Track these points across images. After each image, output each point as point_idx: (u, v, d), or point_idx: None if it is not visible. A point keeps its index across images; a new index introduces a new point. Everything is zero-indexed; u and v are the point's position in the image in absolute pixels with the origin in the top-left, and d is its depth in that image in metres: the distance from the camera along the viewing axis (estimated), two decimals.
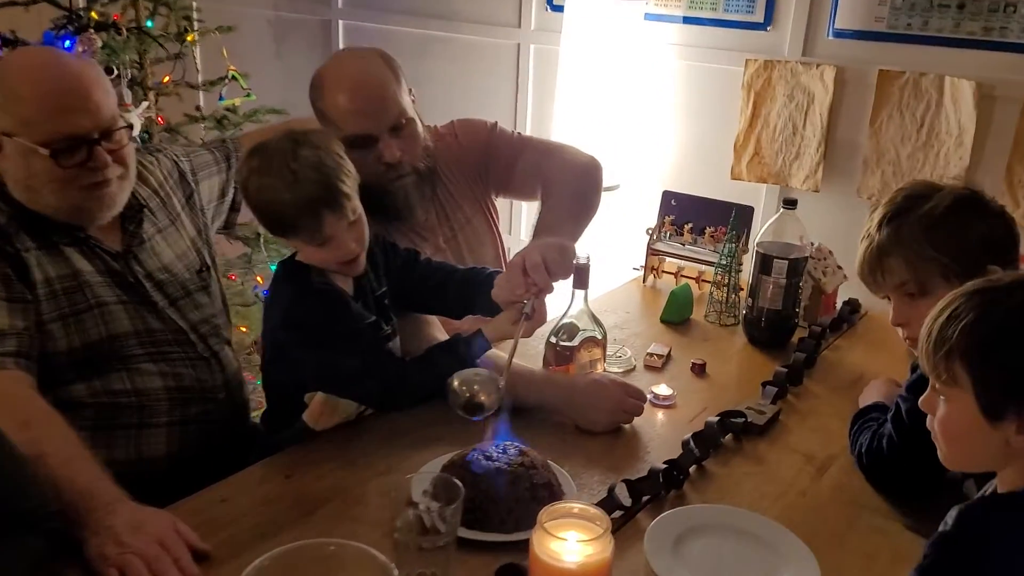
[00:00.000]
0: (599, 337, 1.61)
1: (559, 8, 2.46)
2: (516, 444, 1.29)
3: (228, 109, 2.59)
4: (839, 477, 1.38)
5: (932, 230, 1.30)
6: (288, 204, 1.31)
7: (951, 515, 0.91)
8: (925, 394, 1.00)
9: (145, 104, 2.23)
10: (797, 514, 1.27)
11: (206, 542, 1.16)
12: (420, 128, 1.71)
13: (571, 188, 1.81)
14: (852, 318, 1.99)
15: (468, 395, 1.33)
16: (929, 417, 1.00)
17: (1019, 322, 0.91)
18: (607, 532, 1.05)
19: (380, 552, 1.01)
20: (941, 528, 0.91)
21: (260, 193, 1.33)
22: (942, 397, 0.97)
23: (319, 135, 1.39)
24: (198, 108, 2.61)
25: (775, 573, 1.09)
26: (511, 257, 1.51)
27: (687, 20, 2.32)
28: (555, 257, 1.43)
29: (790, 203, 1.82)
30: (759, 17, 2.21)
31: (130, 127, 1.48)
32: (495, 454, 1.27)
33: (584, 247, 1.60)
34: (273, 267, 2.60)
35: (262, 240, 2.53)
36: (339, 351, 1.38)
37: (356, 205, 1.38)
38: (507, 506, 1.21)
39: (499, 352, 1.59)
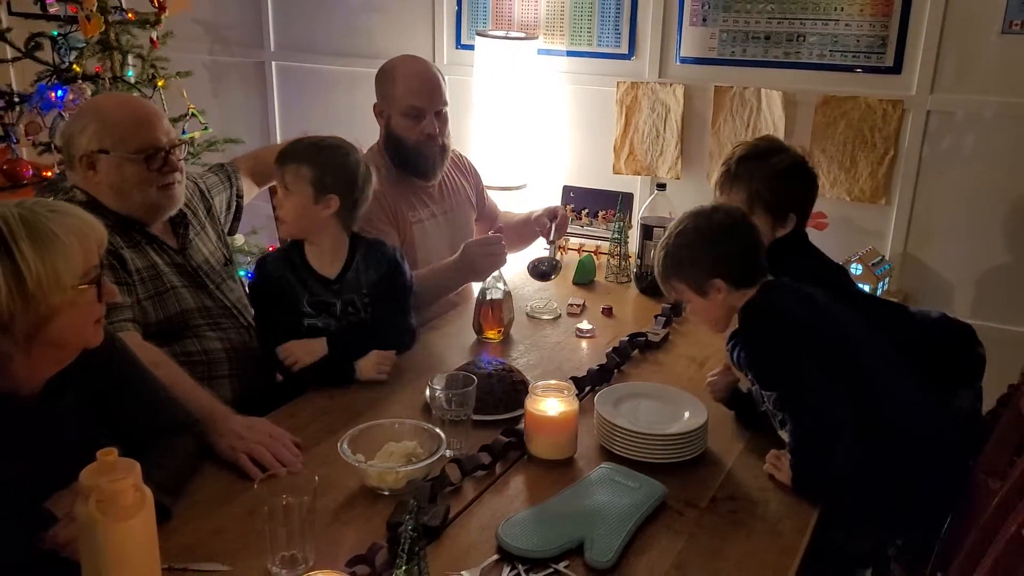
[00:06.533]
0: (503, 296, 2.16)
1: (466, 47, 3.04)
2: (498, 360, 1.86)
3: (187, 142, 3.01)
4: (712, 368, 2.00)
5: (774, 177, 1.91)
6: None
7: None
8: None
9: None
10: (688, 390, 1.88)
11: None
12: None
13: None
14: None
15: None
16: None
17: (680, 243, 1.65)
18: (573, 395, 1.64)
19: None
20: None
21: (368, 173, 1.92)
22: (687, 304, 1.71)
23: None
24: None
25: (679, 414, 1.68)
26: None
27: (570, 53, 2.89)
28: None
29: (662, 186, 2.46)
30: (624, 49, 2.81)
31: (187, 144, 1.97)
32: (484, 364, 1.83)
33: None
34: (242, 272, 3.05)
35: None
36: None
37: None
38: (498, 396, 1.76)
39: None
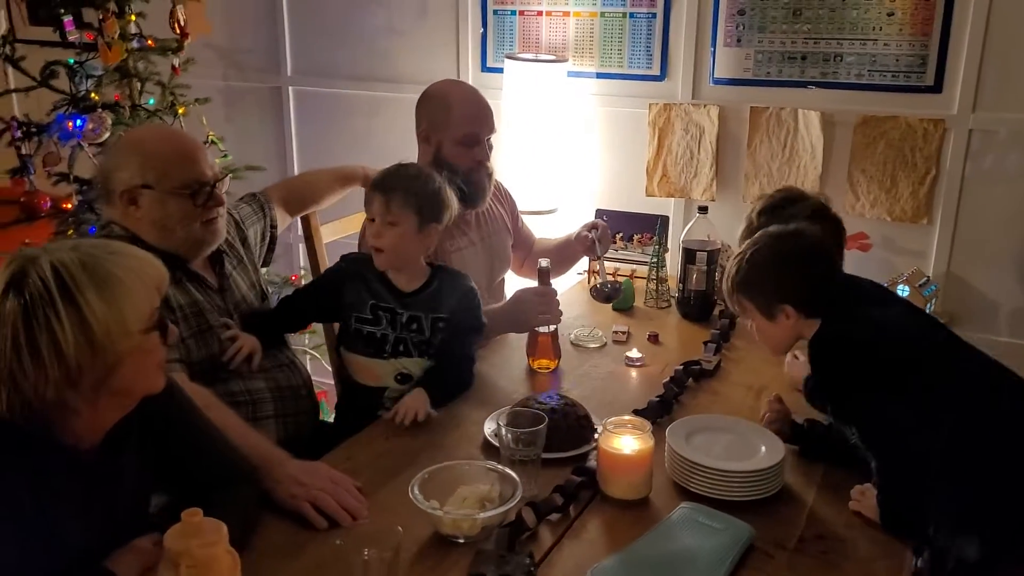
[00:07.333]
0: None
1: (491, 70, 2.99)
2: (557, 394, 1.80)
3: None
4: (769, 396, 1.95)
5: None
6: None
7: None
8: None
9: None
10: (755, 420, 1.82)
11: None
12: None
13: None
14: None
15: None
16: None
17: (754, 262, 1.61)
18: (649, 431, 1.57)
19: None
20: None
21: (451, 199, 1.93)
22: (749, 321, 1.67)
23: None
24: None
25: (755, 447, 1.62)
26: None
27: (600, 75, 2.85)
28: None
29: (703, 210, 2.42)
30: (656, 71, 2.77)
31: (228, 177, 1.89)
32: (545, 400, 1.76)
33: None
34: None
35: None
36: None
37: None
38: (563, 432, 1.69)
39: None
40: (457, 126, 2.22)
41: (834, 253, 1.71)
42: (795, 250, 1.62)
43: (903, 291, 2.40)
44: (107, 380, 1.18)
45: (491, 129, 2.28)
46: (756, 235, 1.66)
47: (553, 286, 2.13)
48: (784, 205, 1.95)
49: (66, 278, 1.14)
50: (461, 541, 1.41)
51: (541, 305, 2.06)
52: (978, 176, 2.50)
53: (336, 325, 2.10)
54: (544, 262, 2.11)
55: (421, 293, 1.91)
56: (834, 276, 1.65)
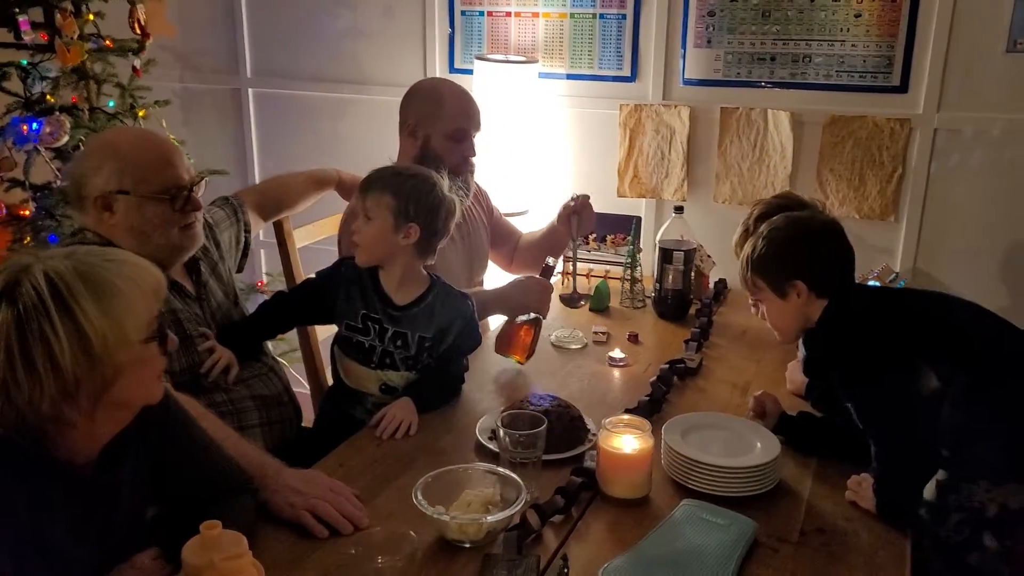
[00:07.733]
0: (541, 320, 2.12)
1: (459, 71, 2.97)
2: (549, 395, 1.78)
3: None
4: (754, 392, 1.96)
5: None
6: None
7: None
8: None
9: None
10: (742, 416, 1.83)
11: None
12: None
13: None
14: (725, 292, 2.62)
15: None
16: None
17: (771, 238, 1.65)
18: (649, 430, 1.57)
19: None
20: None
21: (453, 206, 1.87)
22: (761, 303, 1.69)
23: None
24: None
25: (751, 443, 1.63)
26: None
27: (570, 76, 2.85)
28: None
29: (679, 210, 2.43)
30: (627, 72, 2.79)
31: (204, 181, 1.84)
32: (538, 401, 1.75)
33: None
34: None
35: None
36: None
37: None
38: (558, 434, 1.68)
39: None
40: (449, 120, 2.21)
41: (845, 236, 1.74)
42: (811, 228, 1.67)
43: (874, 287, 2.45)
44: (105, 392, 1.13)
45: (478, 127, 2.28)
46: (774, 217, 1.69)
47: (552, 284, 2.16)
48: (783, 210, 1.96)
49: (61, 287, 1.09)
50: (467, 545, 1.38)
51: (541, 293, 2.08)
52: (943, 174, 2.56)
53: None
54: (552, 260, 2.16)
55: (412, 308, 1.86)
56: (847, 256, 1.68)
